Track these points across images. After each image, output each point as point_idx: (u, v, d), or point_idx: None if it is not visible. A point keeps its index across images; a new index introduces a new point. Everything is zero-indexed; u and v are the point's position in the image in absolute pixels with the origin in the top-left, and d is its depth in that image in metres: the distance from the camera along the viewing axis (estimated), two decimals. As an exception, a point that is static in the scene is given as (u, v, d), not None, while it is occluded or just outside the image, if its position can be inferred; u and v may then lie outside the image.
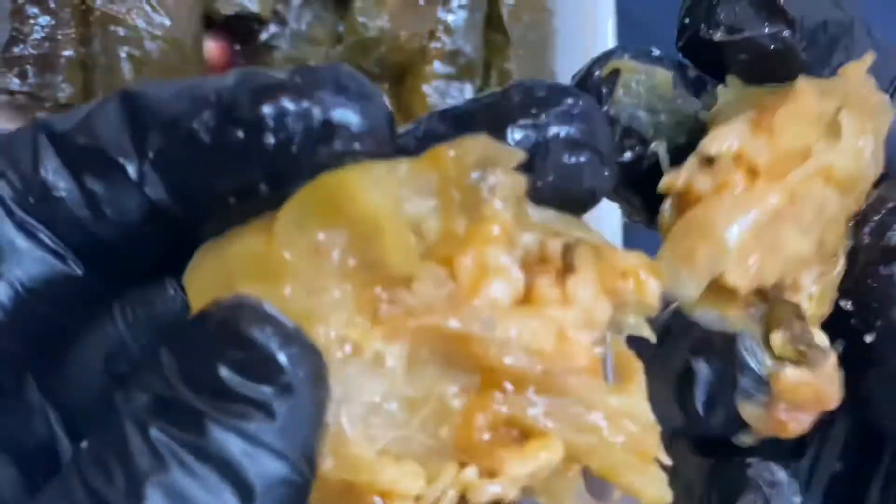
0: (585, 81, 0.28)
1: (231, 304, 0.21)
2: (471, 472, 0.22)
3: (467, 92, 0.62)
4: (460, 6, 0.62)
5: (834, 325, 0.28)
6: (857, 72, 0.27)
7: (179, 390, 0.21)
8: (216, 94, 0.23)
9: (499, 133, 0.23)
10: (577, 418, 0.22)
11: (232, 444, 0.21)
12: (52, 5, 0.56)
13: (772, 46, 0.27)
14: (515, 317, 0.22)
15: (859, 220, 0.28)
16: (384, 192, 0.21)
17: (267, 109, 0.22)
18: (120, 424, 0.21)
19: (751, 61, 0.28)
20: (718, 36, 0.27)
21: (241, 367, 0.21)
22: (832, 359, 0.26)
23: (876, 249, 0.27)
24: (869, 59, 0.27)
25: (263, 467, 0.21)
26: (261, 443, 0.21)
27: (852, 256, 0.27)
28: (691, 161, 0.26)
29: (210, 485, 0.21)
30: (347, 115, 0.23)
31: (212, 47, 0.59)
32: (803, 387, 0.26)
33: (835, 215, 0.27)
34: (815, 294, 0.27)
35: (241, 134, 0.23)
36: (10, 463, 0.24)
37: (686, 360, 0.28)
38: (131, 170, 0.23)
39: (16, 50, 0.56)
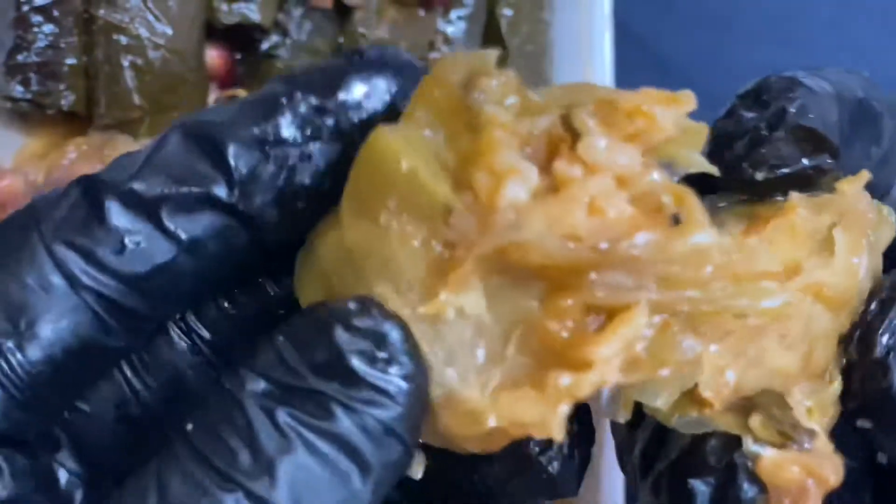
0: None
1: (356, 299, 0.23)
2: (564, 380, 0.22)
3: (466, 102, 0.63)
4: (459, 17, 0.62)
5: (857, 444, 0.28)
6: (852, 188, 0.27)
7: (307, 377, 0.23)
8: (286, 94, 0.24)
9: None
10: (652, 276, 0.22)
11: (356, 427, 0.22)
12: (56, 14, 0.56)
13: (810, 174, 0.26)
14: (538, 209, 0.21)
15: (848, 337, 0.26)
16: (404, 145, 0.22)
17: (347, 91, 0.24)
18: (238, 407, 0.23)
19: (785, 188, 0.27)
20: (761, 175, 0.26)
21: (369, 356, 0.22)
22: (822, 438, 0.25)
23: (867, 365, 0.26)
24: (864, 176, 0.27)
25: (383, 449, 0.23)
26: (384, 427, 0.23)
27: (848, 373, 0.26)
28: None
29: (335, 465, 0.22)
30: (407, 80, 0.25)
31: (213, 56, 0.60)
32: (791, 467, 0.25)
33: (825, 332, 0.26)
34: (812, 408, 0.26)
35: (330, 120, 0.24)
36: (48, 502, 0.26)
37: (679, 480, 0.27)
38: (219, 191, 0.24)
39: (19, 58, 0.56)
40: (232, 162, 0.24)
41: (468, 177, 0.22)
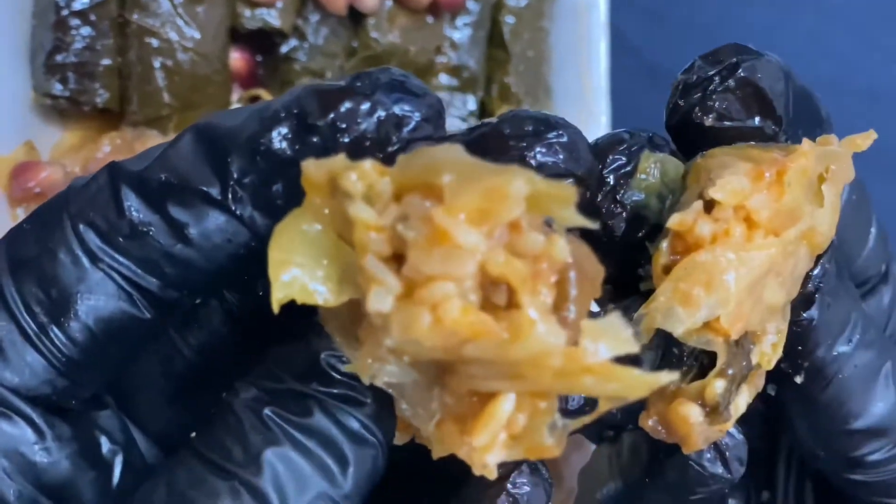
0: (602, 166, 0.29)
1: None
2: (464, 451, 0.23)
3: (470, 103, 0.65)
4: (465, 24, 0.65)
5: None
6: (858, 142, 0.28)
7: (287, 381, 0.25)
8: (284, 109, 0.25)
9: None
10: (504, 371, 0.22)
11: (333, 424, 0.24)
12: (93, 18, 0.59)
13: (755, 138, 0.28)
14: (396, 316, 0.21)
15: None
16: (289, 254, 0.23)
17: (337, 113, 0.24)
18: (231, 411, 0.25)
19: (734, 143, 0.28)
20: (709, 122, 0.28)
21: (344, 361, 0.25)
22: (724, 429, 0.27)
23: (798, 296, 0.28)
24: (873, 135, 0.28)
25: (359, 446, 0.25)
26: (359, 423, 0.25)
27: (794, 310, 0.28)
28: (696, 206, 0.26)
29: (315, 456, 0.24)
30: (405, 109, 0.25)
31: (236, 58, 0.62)
32: (687, 423, 0.27)
33: (801, 273, 0.28)
34: (775, 342, 0.28)
35: (317, 139, 0.24)
36: (89, 468, 0.27)
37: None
38: (215, 192, 0.25)
39: (58, 58, 0.58)
40: (230, 167, 0.25)
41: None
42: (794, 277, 0.27)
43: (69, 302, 0.25)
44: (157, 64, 0.59)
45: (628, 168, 0.28)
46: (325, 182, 0.22)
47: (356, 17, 0.63)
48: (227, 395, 0.25)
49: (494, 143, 0.25)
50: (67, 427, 0.26)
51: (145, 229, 0.25)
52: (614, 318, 0.21)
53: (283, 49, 0.63)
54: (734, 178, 0.26)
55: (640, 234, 0.29)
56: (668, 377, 0.21)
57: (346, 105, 0.24)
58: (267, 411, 0.24)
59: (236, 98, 0.63)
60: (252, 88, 0.63)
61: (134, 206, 0.25)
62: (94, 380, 0.27)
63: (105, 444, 0.27)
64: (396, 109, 0.24)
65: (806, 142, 0.27)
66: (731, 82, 0.28)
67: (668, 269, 0.26)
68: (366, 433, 0.25)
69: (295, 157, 0.24)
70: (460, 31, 0.65)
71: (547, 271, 0.22)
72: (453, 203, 0.21)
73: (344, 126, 0.24)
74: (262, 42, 0.63)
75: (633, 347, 0.21)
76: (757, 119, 0.28)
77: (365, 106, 0.24)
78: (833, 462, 0.32)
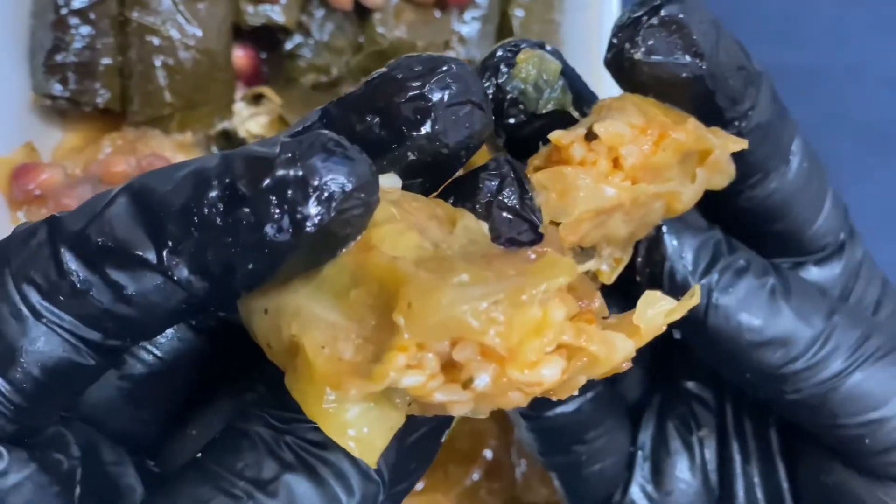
0: (491, 58, 0.32)
1: None
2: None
3: (479, 99, 0.64)
4: (474, 18, 0.64)
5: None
6: (730, 145, 0.31)
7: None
8: (217, 176, 0.25)
9: (392, 106, 0.26)
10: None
11: (345, 456, 0.27)
12: (93, 16, 0.58)
13: (683, 74, 0.31)
14: (481, 398, 0.25)
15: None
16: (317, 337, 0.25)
17: (268, 183, 0.24)
18: (247, 437, 0.27)
19: (665, 86, 0.31)
20: (638, 55, 0.31)
21: None
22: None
23: (650, 239, 0.33)
24: (744, 143, 0.31)
25: (366, 481, 0.27)
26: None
27: (649, 253, 0.34)
28: (580, 130, 0.30)
29: (328, 486, 0.27)
30: (339, 179, 0.24)
31: (240, 55, 0.62)
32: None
33: (651, 222, 0.32)
34: (612, 265, 0.32)
35: (247, 210, 0.24)
36: (51, 484, 0.28)
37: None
38: (151, 257, 0.25)
39: (58, 58, 0.58)
40: (164, 233, 0.25)
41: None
42: (644, 222, 0.32)
43: (15, 354, 0.26)
44: (158, 63, 0.59)
45: (511, 60, 0.32)
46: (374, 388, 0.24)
47: (362, 12, 0.63)
48: (238, 420, 0.27)
49: (392, 87, 0.26)
50: (24, 451, 0.27)
51: (85, 288, 0.26)
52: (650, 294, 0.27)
53: (288, 46, 0.62)
54: (620, 124, 0.30)
55: (517, 119, 0.32)
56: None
57: (277, 175, 0.24)
58: (287, 439, 0.27)
59: (240, 96, 0.62)
60: (256, 86, 0.62)
61: (73, 267, 0.26)
62: (45, 419, 0.28)
63: (64, 462, 0.28)
64: (329, 181, 0.24)
65: (691, 121, 0.31)
66: (654, 20, 0.31)
67: (537, 170, 0.30)
68: (372, 472, 0.27)
69: (229, 225, 0.24)
70: (468, 26, 0.64)
71: (574, 301, 0.26)
72: (517, 361, 0.24)
73: (274, 199, 0.24)
74: (265, 39, 0.62)
75: (672, 303, 0.27)
76: (685, 56, 0.31)
77: (296, 175, 0.24)
78: (763, 383, 0.34)
